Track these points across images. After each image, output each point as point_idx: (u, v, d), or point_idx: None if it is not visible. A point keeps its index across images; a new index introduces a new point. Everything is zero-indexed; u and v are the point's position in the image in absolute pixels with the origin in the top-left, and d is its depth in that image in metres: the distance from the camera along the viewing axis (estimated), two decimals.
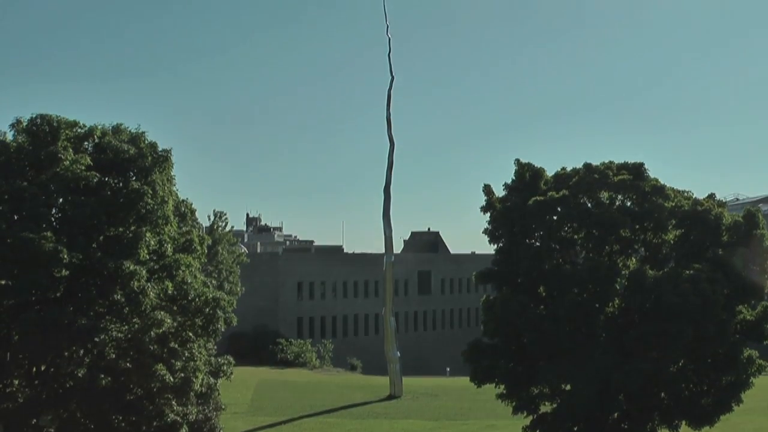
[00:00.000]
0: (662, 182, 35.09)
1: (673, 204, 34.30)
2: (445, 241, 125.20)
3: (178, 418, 28.24)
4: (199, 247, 30.73)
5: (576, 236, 34.80)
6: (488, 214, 35.64)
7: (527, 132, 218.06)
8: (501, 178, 42.49)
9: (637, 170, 35.03)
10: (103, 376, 27.66)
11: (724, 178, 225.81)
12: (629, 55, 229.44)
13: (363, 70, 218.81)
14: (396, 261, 66.35)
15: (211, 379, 30.20)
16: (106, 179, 28.42)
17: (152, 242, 28.09)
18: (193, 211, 32.30)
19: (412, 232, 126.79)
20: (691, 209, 34.33)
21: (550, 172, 36.37)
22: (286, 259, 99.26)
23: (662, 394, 32.95)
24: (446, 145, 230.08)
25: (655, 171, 35.50)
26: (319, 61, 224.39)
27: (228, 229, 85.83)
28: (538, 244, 34.84)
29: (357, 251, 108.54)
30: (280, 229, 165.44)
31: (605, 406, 32.18)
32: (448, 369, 78.58)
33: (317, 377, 73.63)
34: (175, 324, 28.90)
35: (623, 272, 33.29)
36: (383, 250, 64.28)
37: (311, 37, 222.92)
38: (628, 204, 34.89)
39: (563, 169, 36.38)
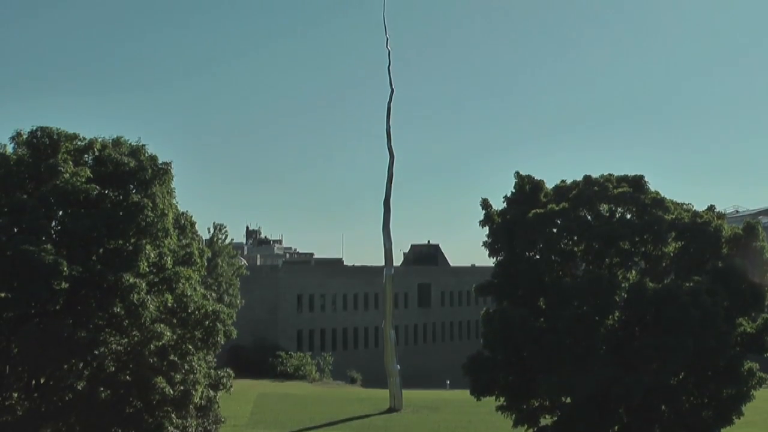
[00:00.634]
0: (662, 195, 35.12)
1: (673, 216, 34.30)
2: (444, 253, 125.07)
3: (178, 431, 28.19)
4: (198, 260, 30.73)
5: (576, 249, 34.82)
6: (487, 228, 35.72)
7: (527, 145, 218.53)
8: (500, 191, 42.58)
9: (636, 183, 35.08)
10: (102, 388, 27.65)
11: (724, 191, 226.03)
12: (629, 69, 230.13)
13: (363, 82, 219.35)
14: (396, 274, 66.27)
15: (211, 392, 30.15)
16: (106, 192, 28.43)
17: (152, 255, 28.09)
18: (193, 224, 32.28)
19: (411, 245, 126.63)
20: (691, 221, 34.34)
21: (549, 185, 36.44)
22: (286, 271, 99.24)
23: (663, 407, 32.88)
24: (446, 157, 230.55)
25: (654, 183, 35.58)
26: (319, 74, 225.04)
27: (228, 241, 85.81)
28: (537, 256, 34.87)
29: (357, 264, 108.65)
30: (279, 241, 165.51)
31: (605, 419, 32.13)
32: (448, 382, 78.42)
33: (317, 390, 73.50)
34: (174, 337, 28.89)
35: (623, 285, 33.27)
36: (383, 263, 64.22)
37: (311, 49, 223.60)
38: (628, 216, 34.91)
39: (563, 181, 36.45)
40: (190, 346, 29.56)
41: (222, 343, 30.59)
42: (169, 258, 28.97)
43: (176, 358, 28.94)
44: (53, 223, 28.23)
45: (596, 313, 32.71)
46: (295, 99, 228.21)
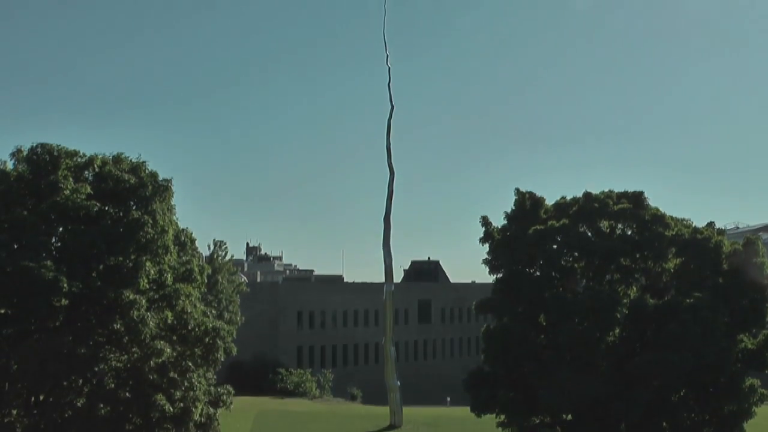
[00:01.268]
0: (662, 211, 35.16)
1: (674, 232, 34.34)
2: (445, 270, 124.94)
3: None
4: (198, 277, 30.73)
5: (576, 265, 34.82)
6: (487, 245, 35.74)
7: (528, 161, 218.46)
8: (501, 207, 42.59)
9: (637, 199, 35.12)
10: (102, 405, 27.61)
11: (724, 207, 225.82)
12: (630, 85, 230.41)
13: (363, 99, 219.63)
14: (396, 290, 66.09)
15: (211, 409, 30.08)
16: (107, 208, 28.46)
17: (152, 271, 28.10)
18: (193, 241, 32.30)
19: (412, 261, 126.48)
20: (691, 238, 34.37)
21: (550, 201, 36.47)
22: (286, 288, 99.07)
23: (663, 424, 32.81)
24: (446, 174, 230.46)
25: (654, 199, 35.60)
26: (319, 90, 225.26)
27: (228, 258, 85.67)
28: (538, 273, 34.86)
29: (357, 280, 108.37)
30: (280, 258, 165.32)
31: None
32: (448, 398, 78.16)
33: (317, 407, 73.25)
34: (174, 353, 28.86)
35: (624, 301, 33.26)
36: (383, 279, 64.14)
37: (311, 65, 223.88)
38: (629, 233, 34.95)
39: (563, 198, 36.48)
40: (190, 363, 29.53)
41: (222, 359, 30.56)
42: (169, 274, 28.97)
43: (176, 375, 28.91)
44: (53, 240, 28.28)
45: (597, 330, 32.69)
46: (295, 115, 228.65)
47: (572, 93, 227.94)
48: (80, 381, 28.06)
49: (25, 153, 28.97)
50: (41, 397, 28.26)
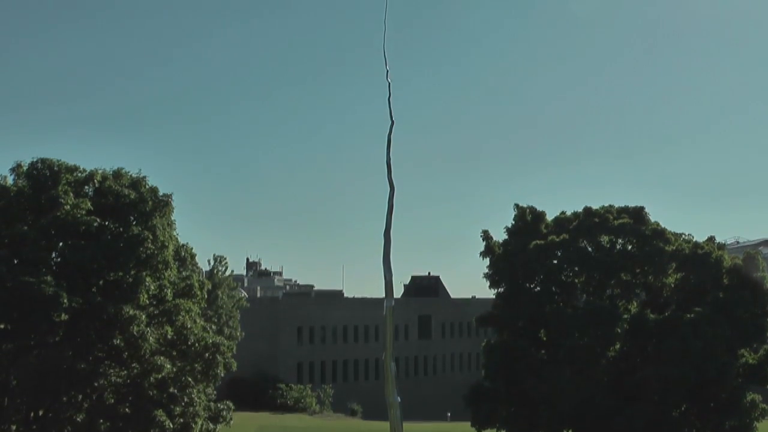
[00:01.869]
0: (662, 226, 35.17)
1: (674, 247, 34.34)
2: (445, 285, 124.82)
3: None
4: (199, 292, 30.69)
5: (576, 280, 34.83)
6: (487, 259, 35.74)
7: (528, 176, 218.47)
8: (501, 222, 42.56)
9: (637, 214, 35.15)
10: (102, 420, 27.53)
11: (725, 222, 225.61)
12: (628, 97, 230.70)
13: (363, 114, 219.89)
14: (396, 305, 65.62)
15: (211, 425, 30.00)
16: (107, 224, 28.42)
17: (152, 287, 28.05)
18: (193, 256, 32.27)
19: (412, 277, 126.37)
20: (692, 252, 34.37)
21: (550, 216, 36.49)
22: (286, 303, 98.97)
23: None
24: (447, 189, 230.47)
25: (655, 214, 35.63)
26: (319, 106, 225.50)
27: (228, 273, 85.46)
28: (538, 288, 34.86)
29: (357, 295, 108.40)
30: (280, 273, 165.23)
31: None
32: (449, 414, 77.99)
33: (317, 422, 73.06)
34: (174, 369, 28.77)
35: (624, 316, 33.24)
36: (383, 294, 64.05)
37: (311, 81, 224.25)
38: (629, 248, 34.95)
39: (563, 213, 36.51)
40: (190, 379, 29.44)
41: (222, 375, 30.49)
42: (169, 290, 28.93)
43: (176, 391, 28.82)
44: (53, 255, 28.22)
45: (597, 344, 32.66)
46: (295, 131, 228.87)
47: (574, 109, 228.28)
48: (80, 396, 27.99)
49: (25, 168, 28.94)
50: (41, 412, 28.17)
